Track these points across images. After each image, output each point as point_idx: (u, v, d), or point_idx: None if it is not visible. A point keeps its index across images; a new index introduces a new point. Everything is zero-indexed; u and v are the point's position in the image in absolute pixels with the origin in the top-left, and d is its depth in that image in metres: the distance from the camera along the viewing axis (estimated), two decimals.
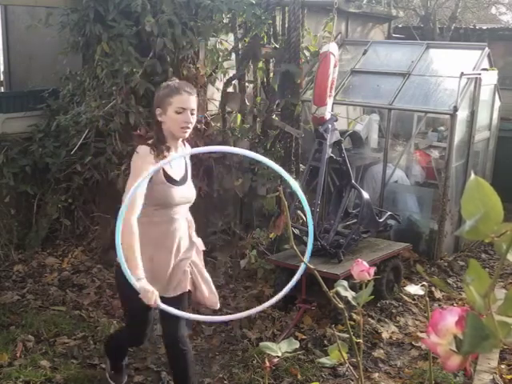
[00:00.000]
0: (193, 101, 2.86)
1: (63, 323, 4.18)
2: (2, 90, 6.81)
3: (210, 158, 5.16)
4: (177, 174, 2.94)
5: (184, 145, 3.05)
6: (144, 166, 2.74)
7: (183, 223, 3.03)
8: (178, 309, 2.77)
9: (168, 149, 2.88)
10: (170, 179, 2.89)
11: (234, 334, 4.15)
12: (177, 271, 2.99)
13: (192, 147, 4.14)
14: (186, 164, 3.04)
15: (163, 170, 2.85)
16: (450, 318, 0.83)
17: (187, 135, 2.91)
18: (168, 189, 2.87)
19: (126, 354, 3.52)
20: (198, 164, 4.94)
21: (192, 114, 2.85)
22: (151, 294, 2.61)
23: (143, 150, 2.83)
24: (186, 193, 2.97)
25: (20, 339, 3.89)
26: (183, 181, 2.96)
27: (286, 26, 5.12)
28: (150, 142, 2.87)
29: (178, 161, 2.97)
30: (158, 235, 2.92)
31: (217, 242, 5.30)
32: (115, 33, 4.87)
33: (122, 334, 3.43)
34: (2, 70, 6.82)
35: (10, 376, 3.50)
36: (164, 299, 2.78)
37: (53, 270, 5.03)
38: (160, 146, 2.85)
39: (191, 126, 2.87)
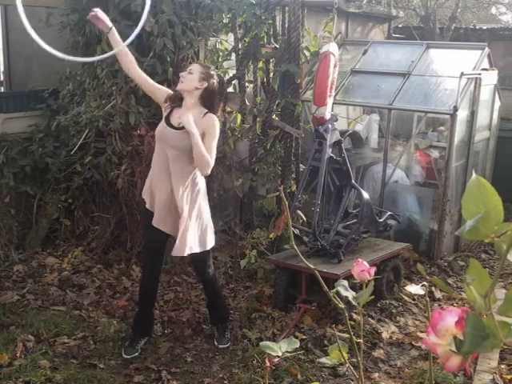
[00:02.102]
0: (191, 67, 3.71)
1: (63, 323, 4.17)
2: (2, 90, 6.81)
3: None
4: (177, 122, 3.60)
5: (203, 115, 3.62)
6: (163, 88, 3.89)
7: (175, 169, 3.60)
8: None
9: (175, 102, 3.70)
10: (168, 122, 3.66)
11: (234, 333, 4.15)
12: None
13: None
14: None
15: (168, 114, 3.69)
16: (449, 319, 0.83)
17: (181, 86, 3.65)
18: (162, 127, 3.68)
19: (146, 302, 3.98)
20: None
21: (189, 73, 3.64)
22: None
23: (167, 90, 3.83)
24: (174, 137, 3.59)
25: (20, 339, 3.89)
26: (180, 128, 3.56)
27: (286, 26, 5.12)
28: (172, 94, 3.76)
29: (186, 112, 3.58)
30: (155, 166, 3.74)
31: (217, 242, 5.29)
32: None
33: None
34: (2, 69, 6.82)
35: (10, 376, 3.49)
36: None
37: (53, 269, 5.03)
38: (171, 98, 3.72)
39: (184, 80, 3.63)
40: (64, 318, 4.27)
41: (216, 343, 4.04)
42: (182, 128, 3.52)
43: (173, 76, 4.91)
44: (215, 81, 3.70)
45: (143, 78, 3.76)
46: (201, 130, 3.54)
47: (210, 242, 3.83)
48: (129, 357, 3.81)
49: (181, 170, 3.60)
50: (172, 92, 3.76)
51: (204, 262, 3.91)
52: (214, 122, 3.61)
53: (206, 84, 3.64)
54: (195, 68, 3.68)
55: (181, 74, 3.69)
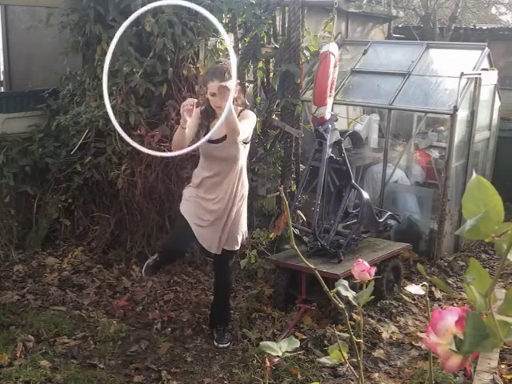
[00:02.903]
0: (218, 80, 3.51)
1: (63, 323, 4.17)
2: (2, 90, 6.81)
3: None
4: (217, 134, 3.51)
5: (238, 115, 3.58)
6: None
7: (226, 180, 3.74)
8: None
9: (210, 118, 3.72)
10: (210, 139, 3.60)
11: (234, 334, 4.15)
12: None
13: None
14: None
15: (207, 130, 3.64)
16: (449, 318, 0.83)
17: (222, 112, 3.37)
18: (205, 145, 3.55)
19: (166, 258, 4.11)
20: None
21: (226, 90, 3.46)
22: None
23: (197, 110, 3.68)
24: (220, 150, 3.65)
25: (20, 339, 3.89)
26: (220, 141, 3.62)
27: (286, 26, 5.12)
28: (202, 108, 3.71)
29: (224, 127, 3.48)
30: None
31: None
32: (115, 33, 4.86)
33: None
34: (2, 69, 6.82)
35: (10, 376, 3.49)
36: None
37: (53, 269, 5.03)
38: (205, 115, 3.71)
39: (224, 105, 3.31)
40: (64, 317, 4.27)
41: (215, 343, 4.04)
42: (223, 138, 3.60)
43: (173, 76, 4.91)
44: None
45: (192, 137, 3.69)
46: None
47: (240, 243, 3.98)
48: (146, 276, 4.19)
49: (234, 173, 3.75)
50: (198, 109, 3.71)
51: (227, 261, 4.01)
52: (250, 114, 3.73)
53: (237, 87, 3.59)
54: (227, 84, 3.42)
55: (213, 98, 3.57)
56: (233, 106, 3.46)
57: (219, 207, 3.76)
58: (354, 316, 3.87)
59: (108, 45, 4.87)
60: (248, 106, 3.82)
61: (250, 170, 5.28)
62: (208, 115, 3.72)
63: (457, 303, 4.79)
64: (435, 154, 6.11)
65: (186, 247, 4.17)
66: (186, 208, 3.82)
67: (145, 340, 4.05)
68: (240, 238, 3.94)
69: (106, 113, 4.89)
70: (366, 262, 1.52)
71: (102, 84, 4.99)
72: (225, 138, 3.62)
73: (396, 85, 5.89)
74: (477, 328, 0.77)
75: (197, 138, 3.69)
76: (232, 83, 3.34)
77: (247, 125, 3.64)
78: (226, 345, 4.00)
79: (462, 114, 5.56)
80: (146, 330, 4.21)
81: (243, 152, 3.76)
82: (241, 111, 3.71)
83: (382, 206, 5.67)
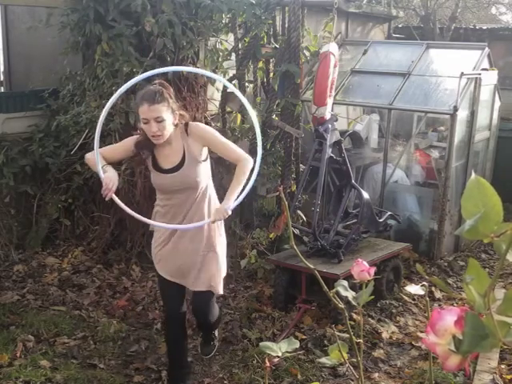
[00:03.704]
0: (155, 110, 2.92)
1: (63, 323, 4.17)
2: (2, 90, 6.81)
3: (209, 158, 5.16)
4: (169, 162, 3.10)
5: (186, 132, 3.09)
6: (126, 141, 3.21)
7: (190, 208, 3.16)
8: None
9: (148, 151, 3.11)
10: (158, 168, 3.13)
11: (234, 334, 4.15)
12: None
13: None
14: (184, 150, 3.09)
15: (153, 159, 3.12)
16: (448, 318, 0.83)
17: (161, 141, 3.01)
18: (156, 175, 3.14)
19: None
20: None
21: (159, 122, 2.94)
22: (108, 180, 2.96)
23: (131, 138, 3.19)
24: (179, 179, 3.08)
25: (20, 339, 3.89)
26: (177, 168, 3.08)
27: (286, 26, 5.12)
28: (139, 138, 3.13)
29: (174, 148, 3.08)
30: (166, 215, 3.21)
31: None
32: (115, 33, 4.87)
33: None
34: (2, 70, 6.82)
35: (10, 376, 3.50)
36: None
37: (53, 269, 5.03)
38: (139, 149, 3.11)
39: (160, 133, 2.96)
40: (64, 317, 4.27)
41: (199, 350, 3.66)
42: (178, 165, 3.09)
43: (173, 76, 4.91)
44: (171, 93, 3.06)
45: (108, 156, 3.13)
46: (200, 145, 3.09)
47: (221, 286, 3.34)
48: None
49: (198, 203, 3.18)
50: (135, 138, 3.16)
51: (208, 302, 3.31)
52: (199, 126, 3.15)
53: (176, 111, 3.06)
54: (160, 109, 2.93)
55: (151, 130, 2.95)
56: (172, 128, 3.03)
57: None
58: (354, 316, 3.87)
59: (108, 45, 4.88)
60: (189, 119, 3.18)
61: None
62: (146, 145, 3.09)
63: (457, 303, 4.78)
64: (435, 154, 6.11)
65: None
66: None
67: (145, 340, 4.05)
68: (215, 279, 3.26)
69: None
70: (365, 262, 1.52)
71: (101, 84, 5.03)
72: (182, 162, 3.08)
73: (396, 85, 5.89)
74: (476, 328, 0.77)
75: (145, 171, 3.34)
76: (167, 110, 2.95)
77: (224, 139, 3.14)
78: (209, 355, 3.63)
79: (462, 114, 5.56)
80: (146, 329, 4.21)
81: (203, 170, 3.17)
82: (186, 128, 3.09)
83: (382, 206, 5.67)
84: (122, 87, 2.95)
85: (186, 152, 3.08)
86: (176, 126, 3.07)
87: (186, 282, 3.26)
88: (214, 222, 3.02)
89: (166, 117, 2.96)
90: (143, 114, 2.95)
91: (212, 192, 3.29)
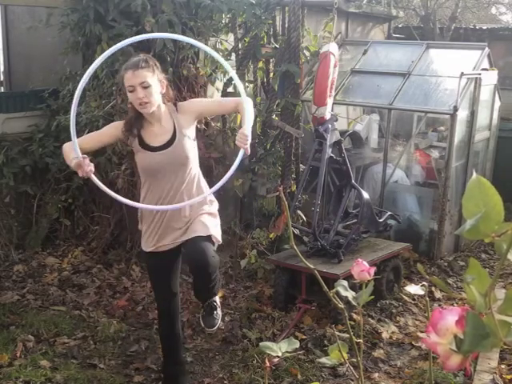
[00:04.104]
0: (140, 75, 2.85)
1: (63, 323, 4.18)
2: (2, 90, 6.81)
3: (209, 158, 5.16)
4: (158, 141, 3.01)
5: (177, 110, 3.05)
6: (105, 128, 3.15)
7: (179, 189, 3.06)
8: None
9: (138, 128, 3.02)
10: (146, 146, 3.02)
11: (234, 333, 4.15)
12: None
13: None
14: (174, 126, 3.03)
15: (139, 138, 3.02)
16: (449, 318, 0.83)
17: (149, 110, 2.91)
18: (144, 155, 3.03)
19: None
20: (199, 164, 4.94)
21: (145, 88, 2.86)
22: (80, 161, 2.76)
23: (113, 124, 3.15)
24: (170, 156, 3.00)
25: (20, 339, 3.89)
26: (167, 145, 3.00)
27: (286, 26, 5.12)
28: (127, 118, 3.08)
29: (163, 126, 3.02)
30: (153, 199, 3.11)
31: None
32: (115, 33, 4.87)
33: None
34: (2, 70, 6.82)
35: (10, 376, 3.50)
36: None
37: (53, 269, 5.03)
38: (128, 127, 3.01)
39: (148, 100, 2.87)
40: (64, 317, 4.27)
41: (202, 324, 3.35)
42: (168, 142, 3.02)
43: (173, 76, 4.91)
44: (156, 63, 3.01)
45: (90, 144, 3.05)
46: (192, 120, 3.06)
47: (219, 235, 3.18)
48: None
49: (188, 182, 3.09)
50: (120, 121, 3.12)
51: (202, 244, 3.02)
52: (188, 101, 3.19)
53: (165, 81, 3.01)
54: (144, 74, 2.87)
55: (137, 96, 2.87)
56: (163, 105, 3.01)
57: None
58: (354, 316, 3.87)
59: (108, 45, 4.88)
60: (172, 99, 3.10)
61: (250, 170, 5.29)
62: (135, 122, 3.03)
63: (457, 303, 4.78)
64: (435, 154, 6.11)
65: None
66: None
67: (145, 340, 4.06)
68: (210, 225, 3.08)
69: (106, 113, 4.93)
70: (365, 262, 1.52)
71: (101, 84, 5.03)
72: (173, 139, 3.02)
73: (396, 85, 5.89)
74: (477, 328, 0.77)
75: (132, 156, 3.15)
76: (153, 76, 2.88)
77: (209, 99, 3.12)
78: (214, 328, 3.32)
79: (462, 114, 5.56)
80: (146, 329, 4.21)
81: (194, 149, 3.10)
82: (176, 108, 3.06)
83: (382, 206, 5.67)
84: (105, 52, 2.74)
85: (177, 128, 3.02)
86: (164, 102, 3.02)
87: (175, 236, 3.11)
88: (239, 146, 2.81)
89: (152, 82, 2.87)
90: (128, 81, 2.87)
91: (200, 174, 3.20)
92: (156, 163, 3.02)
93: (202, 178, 3.22)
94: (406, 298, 4.74)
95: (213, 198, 3.22)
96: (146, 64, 2.88)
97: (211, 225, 3.09)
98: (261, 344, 1.48)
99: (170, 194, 3.06)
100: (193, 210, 3.10)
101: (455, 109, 5.34)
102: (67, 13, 5.10)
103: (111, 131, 3.08)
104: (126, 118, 3.11)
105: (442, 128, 6.24)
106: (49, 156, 5.27)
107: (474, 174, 0.81)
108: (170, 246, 3.15)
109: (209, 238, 3.04)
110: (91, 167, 2.80)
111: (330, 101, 4.62)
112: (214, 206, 3.23)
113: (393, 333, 4.26)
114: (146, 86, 2.86)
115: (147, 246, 3.22)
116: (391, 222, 5.20)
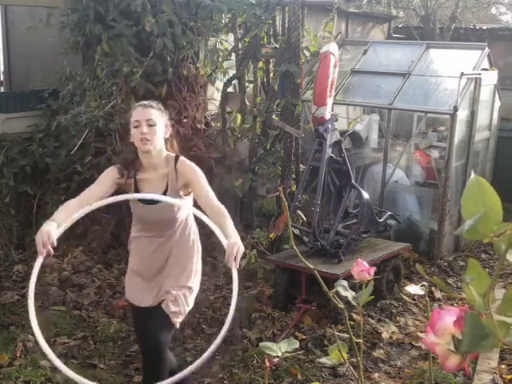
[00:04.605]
0: (148, 112, 2.83)
1: (63, 323, 4.18)
2: (2, 90, 6.82)
3: (209, 158, 5.17)
4: (151, 190, 2.89)
5: (175, 166, 2.91)
6: (103, 176, 2.94)
7: (167, 246, 2.99)
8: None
9: (133, 170, 2.92)
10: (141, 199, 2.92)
11: (235, 333, 4.15)
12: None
13: (192, 147, 4.08)
14: (167, 183, 2.91)
15: (135, 186, 2.94)
16: (448, 318, 0.83)
17: (149, 148, 2.81)
18: (136, 206, 2.96)
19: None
20: (198, 164, 4.94)
21: (150, 126, 2.80)
22: (39, 234, 2.68)
23: (110, 168, 2.98)
24: (156, 213, 2.90)
25: (20, 339, 3.89)
26: (157, 200, 2.83)
27: (286, 26, 5.12)
28: (123, 159, 2.97)
29: (158, 175, 2.92)
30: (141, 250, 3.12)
31: (217, 242, 5.30)
32: (115, 33, 4.88)
33: None
34: (2, 70, 6.82)
35: (10, 376, 3.50)
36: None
37: (53, 269, 5.03)
38: (125, 168, 2.91)
39: (150, 138, 2.79)
40: (64, 318, 4.27)
41: None
42: (162, 194, 2.89)
43: (173, 76, 4.92)
44: (167, 112, 2.99)
45: (88, 201, 2.83)
46: (182, 182, 2.89)
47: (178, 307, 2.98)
48: None
49: (179, 240, 3.02)
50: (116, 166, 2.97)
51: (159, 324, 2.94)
52: (190, 166, 2.93)
53: (170, 128, 2.96)
54: (152, 112, 2.84)
55: (141, 131, 2.79)
56: (164, 151, 2.90)
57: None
58: (354, 316, 3.87)
59: (108, 45, 4.88)
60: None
61: (250, 170, 5.29)
62: (131, 165, 2.93)
63: (457, 303, 4.78)
64: (435, 154, 6.11)
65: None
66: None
67: None
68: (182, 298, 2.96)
69: (106, 113, 4.93)
70: (365, 262, 1.52)
71: (101, 84, 5.04)
72: (164, 193, 2.90)
73: (396, 85, 5.89)
74: (475, 328, 0.77)
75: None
76: (160, 117, 2.85)
77: (204, 184, 2.87)
78: None
79: (462, 114, 5.56)
80: None
81: (185, 206, 2.93)
82: (176, 161, 2.91)
83: (382, 206, 5.67)
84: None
85: (169, 183, 2.90)
86: (168, 149, 2.93)
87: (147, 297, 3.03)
88: (229, 263, 2.68)
89: (158, 122, 2.83)
90: (136, 116, 2.84)
91: (192, 230, 3.07)
92: (144, 215, 2.99)
93: (193, 234, 3.07)
94: (406, 297, 4.74)
95: (199, 267, 3.10)
96: (156, 105, 2.89)
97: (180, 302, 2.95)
98: (261, 344, 1.48)
99: (157, 252, 3.02)
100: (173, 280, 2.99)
101: (455, 109, 5.34)
102: (67, 13, 5.10)
103: (106, 178, 2.92)
104: (120, 158, 3.04)
105: (442, 128, 6.24)
106: (49, 156, 5.28)
107: (473, 175, 0.81)
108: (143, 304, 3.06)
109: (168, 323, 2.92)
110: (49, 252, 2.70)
111: (330, 101, 4.62)
112: (196, 280, 3.08)
113: (393, 333, 4.26)
114: (151, 124, 2.81)
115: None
116: (391, 221, 5.20)
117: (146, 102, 2.91)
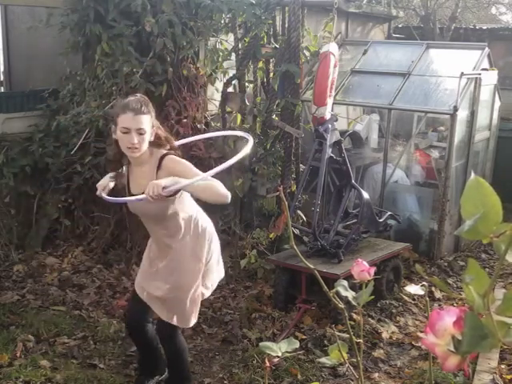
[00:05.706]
0: (139, 120, 2.75)
1: (63, 323, 4.18)
2: (2, 90, 6.82)
3: (209, 158, 5.17)
4: (140, 188, 2.88)
5: (160, 164, 2.87)
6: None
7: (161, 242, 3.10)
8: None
9: (119, 166, 2.99)
10: (130, 192, 3.00)
11: (234, 334, 4.15)
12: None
13: (192, 147, 4.07)
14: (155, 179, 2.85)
15: (128, 182, 3.01)
16: (447, 318, 0.83)
17: (136, 154, 2.80)
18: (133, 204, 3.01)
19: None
20: (199, 164, 4.94)
21: (140, 134, 2.76)
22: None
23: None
24: (144, 208, 2.91)
25: (20, 339, 3.89)
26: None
27: (286, 26, 5.12)
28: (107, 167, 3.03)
29: (145, 173, 2.89)
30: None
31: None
32: (115, 33, 4.88)
33: None
34: (2, 70, 6.82)
35: (10, 376, 3.50)
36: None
37: (53, 269, 5.04)
38: (112, 163, 3.00)
39: (139, 146, 2.76)
40: (64, 318, 4.27)
41: None
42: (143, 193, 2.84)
43: (173, 76, 4.92)
44: (153, 109, 2.93)
45: None
46: (165, 174, 2.83)
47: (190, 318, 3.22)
48: None
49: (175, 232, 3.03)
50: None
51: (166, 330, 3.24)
52: (173, 159, 2.87)
53: (155, 127, 2.89)
54: (143, 121, 2.78)
55: (130, 141, 2.75)
56: (148, 148, 2.87)
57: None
58: (354, 316, 3.86)
59: (108, 45, 4.88)
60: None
61: (250, 170, 5.29)
62: (119, 164, 3.01)
63: (457, 303, 4.78)
64: (435, 154, 6.11)
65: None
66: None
67: None
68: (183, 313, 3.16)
69: (106, 113, 4.93)
70: (365, 262, 1.52)
71: (101, 84, 5.03)
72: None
73: (396, 85, 5.89)
74: (475, 328, 0.77)
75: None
76: (150, 121, 2.81)
77: (195, 170, 2.84)
78: None
79: (462, 114, 5.56)
80: None
81: (178, 204, 2.95)
82: (162, 157, 2.87)
83: (382, 206, 5.67)
84: None
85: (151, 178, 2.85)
86: (152, 147, 2.89)
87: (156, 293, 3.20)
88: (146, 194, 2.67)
89: (147, 129, 2.79)
90: (126, 122, 2.74)
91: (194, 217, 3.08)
92: (137, 209, 3.02)
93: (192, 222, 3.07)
94: (406, 298, 4.74)
95: (199, 216, 3.11)
96: (147, 110, 2.81)
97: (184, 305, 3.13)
98: (261, 344, 1.48)
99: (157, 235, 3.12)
100: (176, 245, 3.06)
101: (455, 109, 5.34)
102: (67, 13, 5.10)
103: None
104: (109, 155, 3.09)
105: (442, 128, 6.24)
106: (49, 156, 5.28)
107: (473, 175, 0.81)
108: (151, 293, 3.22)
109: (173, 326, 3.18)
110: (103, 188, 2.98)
111: (330, 101, 4.62)
112: (202, 234, 3.11)
113: (393, 333, 4.26)
114: (141, 133, 2.77)
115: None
116: (391, 221, 5.20)
117: (135, 107, 2.78)
